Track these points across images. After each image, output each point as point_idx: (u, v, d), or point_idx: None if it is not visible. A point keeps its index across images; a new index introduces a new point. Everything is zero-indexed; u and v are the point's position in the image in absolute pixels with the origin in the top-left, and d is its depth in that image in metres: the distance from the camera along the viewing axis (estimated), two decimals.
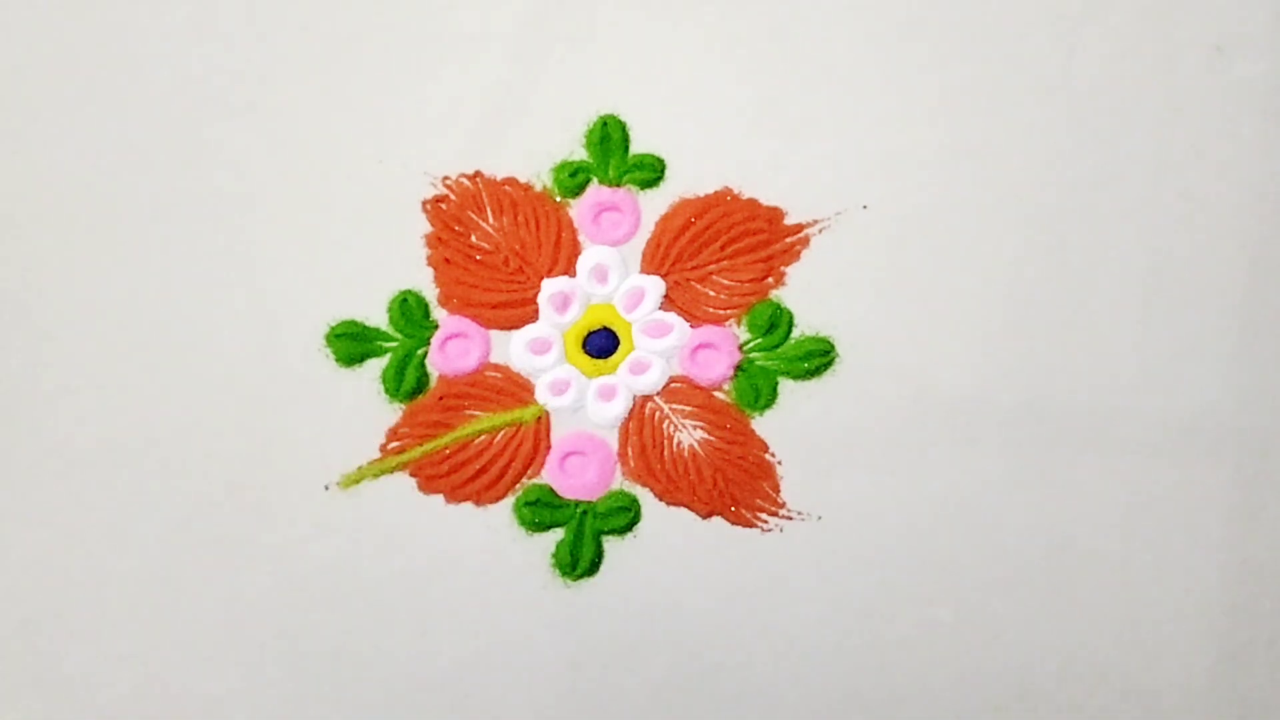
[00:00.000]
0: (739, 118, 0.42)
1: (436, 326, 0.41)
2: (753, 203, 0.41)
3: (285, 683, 0.38)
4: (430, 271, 0.41)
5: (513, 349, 0.41)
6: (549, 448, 0.40)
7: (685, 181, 0.41)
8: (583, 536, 0.39)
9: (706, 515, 0.39)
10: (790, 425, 0.40)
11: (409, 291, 0.41)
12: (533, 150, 0.42)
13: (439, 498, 0.40)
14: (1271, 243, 0.41)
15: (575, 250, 0.41)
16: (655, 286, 0.41)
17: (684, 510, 0.40)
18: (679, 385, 0.40)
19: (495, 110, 0.42)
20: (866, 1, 0.43)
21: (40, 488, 0.39)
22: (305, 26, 0.43)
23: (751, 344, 0.40)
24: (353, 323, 0.40)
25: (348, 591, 0.39)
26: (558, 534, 0.39)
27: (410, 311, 0.40)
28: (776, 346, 0.40)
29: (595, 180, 0.41)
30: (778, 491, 0.40)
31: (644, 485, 0.40)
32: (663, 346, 0.40)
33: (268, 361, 0.40)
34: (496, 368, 0.41)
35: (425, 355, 0.40)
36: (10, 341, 0.40)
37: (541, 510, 0.39)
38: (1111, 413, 0.40)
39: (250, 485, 0.39)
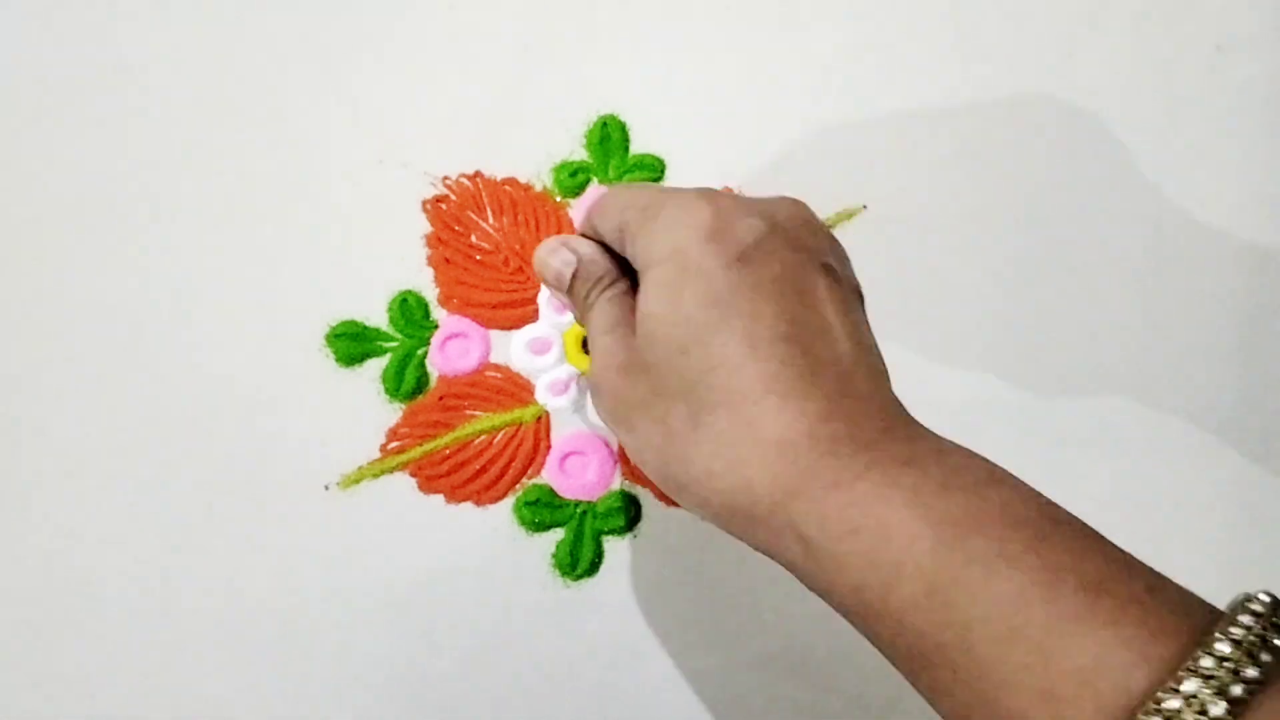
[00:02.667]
0: (739, 118, 0.42)
1: (436, 326, 0.41)
2: None
3: (285, 683, 0.38)
4: (430, 271, 0.41)
5: (513, 349, 0.41)
6: (549, 448, 0.40)
7: (685, 181, 0.41)
8: (583, 536, 0.39)
9: None
10: None
11: (409, 291, 0.41)
12: (533, 150, 0.42)
13: (439, 498, 0.40)
14: (1271, 243, 0.41)
15: None
16: None
17: (684, 510, 0.39)
18: None
19: (495, 110, 0.42)
20: (867, 2, 0.43)
21: (40, 488, 0.39)
22: (306, 28, 0.43)
23: None
24: (353, 323, 0.40)
25: (348, 591, 0.39)
26: (558, 534, 0.39)
27: (410, 311, 0.40)
28: None
29: (595, 180, 0.41)
30: None
31: (644, 485, 0.40)
32: None
33: (268, 361, 0.40)
34: (496, 368, 0.41)
35: (425, 355, 0.40)
36: (11, 341, 0.40)
37: (541, 510, 0.39)
38: (1111, 413, 0.40)
39: (250, 485, 0.39)
